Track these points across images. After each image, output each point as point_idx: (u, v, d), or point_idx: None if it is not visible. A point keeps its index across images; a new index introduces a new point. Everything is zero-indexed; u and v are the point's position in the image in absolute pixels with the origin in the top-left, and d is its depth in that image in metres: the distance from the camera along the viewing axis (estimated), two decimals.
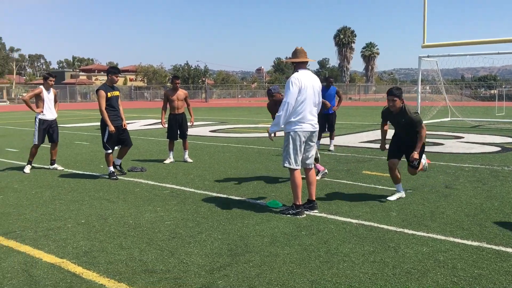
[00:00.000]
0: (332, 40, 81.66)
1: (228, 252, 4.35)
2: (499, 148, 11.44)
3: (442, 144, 12.41)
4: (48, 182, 7.71)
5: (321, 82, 6.15)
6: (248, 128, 18.67)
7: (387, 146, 6.54)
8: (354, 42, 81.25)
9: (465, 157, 9.94)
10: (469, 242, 4.55)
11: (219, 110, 35.64)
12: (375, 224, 5.16)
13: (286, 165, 5.59)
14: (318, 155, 7.57)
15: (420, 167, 6.32)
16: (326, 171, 7.83)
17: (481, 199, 6.26)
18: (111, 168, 7.99)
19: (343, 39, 79.87)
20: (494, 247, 4.41)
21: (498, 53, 18.36)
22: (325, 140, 12.01)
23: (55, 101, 8.98)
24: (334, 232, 4.91)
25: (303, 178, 5.72)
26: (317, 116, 5.79)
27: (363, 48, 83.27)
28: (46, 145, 8.88)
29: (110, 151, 7.94)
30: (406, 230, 4.93)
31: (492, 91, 55.76)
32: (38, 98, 8.69)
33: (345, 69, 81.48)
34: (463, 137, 14.17)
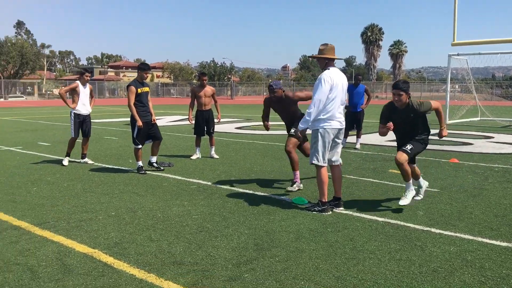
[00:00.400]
0: (359, 38, 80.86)
1: (254, 247, 4.41)
2: None
3: (471, 144, 12.21)
4: (79, 175, 7.92)
5: (348, 80, 6.13)
6: (273, 125, 18.68)
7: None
8: (381, 40, 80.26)
9: (495, 157, 9.76)
10: (497, 243, 4.50)
11: (245, 107, 35.77)
12: (402, 223, 5.14)
13: (314, 161, 5.60)
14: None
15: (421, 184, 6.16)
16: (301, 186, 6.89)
17: (511, 199, 6.16)
18: (140, 163, 8.15)
19: (371, 37, 78.99)
20: None
21: None
22: (351, 138, 11.97)
23: (91, 96, 9.20)
24: (360, 230, 4.92)
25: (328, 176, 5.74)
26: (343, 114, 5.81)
27: (390, 46, 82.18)
28: (78, 139, 9.11)
29: (139, 146, 8.10)
30: (433, 229, 4.90)
31: None
32: (74, 92, 8.93)
33: (372, 67, 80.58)
34: (493, 137, 13.89)
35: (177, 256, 4.17)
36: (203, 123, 9.70)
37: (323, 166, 5.60)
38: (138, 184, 7.18)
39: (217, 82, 67.92)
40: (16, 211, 5.64)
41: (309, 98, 6.51)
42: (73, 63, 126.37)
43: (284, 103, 6.89)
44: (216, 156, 9.80)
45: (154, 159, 8.36)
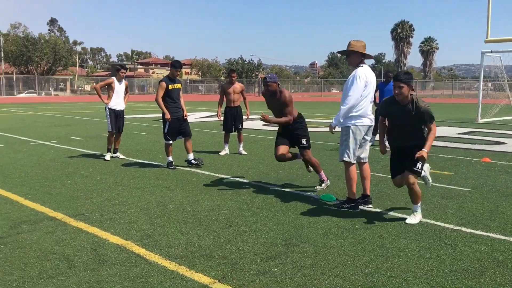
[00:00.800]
0: (389, 35, 79.78)
1: (282, 242, 4.46)
2: None
3: (504, 143, 11.94)
4: (111, 169, 8.12)
5: (376, 77, 6.07)
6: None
7: (388, 148, 5.44)
8: (412, 37, 79.12)
9: None
10: None
11: None
12: (432, 222, 5.10)
13: (345, 158, 5.57)
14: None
15: (423, 173, 5.32)
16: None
17: None
18: (170, 158, 8.29)
19: (401, 33, 77.89)
20: None
21: None
22: None
23: (126, 92, 9.38)
24: (388, 227, 4.90)
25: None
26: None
27: (421, 43, 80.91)
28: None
29: (170, 142, 8.24)
30: (464, 229, 4.85)
31: None
32: (110, 88, 9.13)
33: (401, 64, 79.46)
34: None
35: (207, 249, 4.26)
36: (232, 120, 9.79)
37: (353, 164, 5.59)
38: (168, 179, 7.32)
39: (245, 79, 68.15)
40: (52, 203, 5.83)
41: (289, 116, 6.48)
42: (104, 59, 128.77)
43: (277, 99, 6.56)
44: (244, 152, 9.87)
45: (191, 156, 8.39)
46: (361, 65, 5.56)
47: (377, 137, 11.48)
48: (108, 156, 9.08)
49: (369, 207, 5.66)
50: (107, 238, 4.56)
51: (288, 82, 74.12)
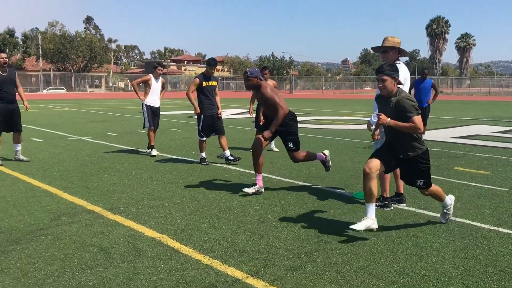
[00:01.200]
0: (424, 31, 78.14)
1: (315, 239, 4.47)
2: None
3: None
4: (146, 164, 8.29)
5: (411, 74, 5.98)
6: (332, 120, 18.57)
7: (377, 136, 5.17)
8: (447, 33, 77.26)
9: None
10: None
11: (304, 102, 35.65)
12: (467, 221, 5.01)
13: None
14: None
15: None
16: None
17: None
18: (203, 154, 8.40)
19: (436, 30, 76.17)
20: None
21: None
22: None
23: (162, 89, 9.54)
24: (422, 226, 4.84)
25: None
26: None
27: (457, 39, 78.95)
28: (143, 130, 9.48)
29: (204, 138, 8.34)
30: (501, 229, 4.74)
31: None
32: (146, 85, 9.32)
33: (436, 61, 77.76)
34: None
35: (240, 245, 4.31)
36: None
37: None
38: (201, 175, 7.42)
39: (276, 76, 68.11)
40: (90, 196, 6.01)
41: (280, 109, 6.02)
42: (138, 57, 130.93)
43: (261, 94, 6.20)
44: (276, 149, 9.90)
45: (228, 153, 8.44)
46: (398, 62, 5.50)
47: None
48: (154, 152, 9.22)
49: (403, 206, 5.60)
50: (142, 231, 4.67)
51: (320, 79, 73.64)
